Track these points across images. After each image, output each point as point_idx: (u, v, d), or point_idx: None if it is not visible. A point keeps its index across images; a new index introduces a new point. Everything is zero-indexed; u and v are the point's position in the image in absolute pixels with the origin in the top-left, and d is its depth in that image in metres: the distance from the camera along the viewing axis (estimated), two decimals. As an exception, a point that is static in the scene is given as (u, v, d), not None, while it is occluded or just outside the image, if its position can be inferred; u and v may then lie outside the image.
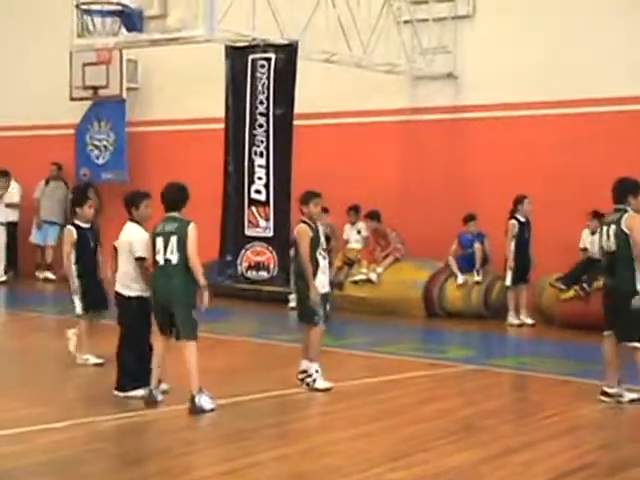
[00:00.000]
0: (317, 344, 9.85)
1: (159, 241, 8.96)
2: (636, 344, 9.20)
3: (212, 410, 8.70)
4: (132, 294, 9.46)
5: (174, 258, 8.90)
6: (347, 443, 7.95)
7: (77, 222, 11.24)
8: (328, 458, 7.43)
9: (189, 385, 8.74)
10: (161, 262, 8.93)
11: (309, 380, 9.72)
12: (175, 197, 9.38)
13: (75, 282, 11.08)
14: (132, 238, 9.47)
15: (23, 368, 11.55)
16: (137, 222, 9.63)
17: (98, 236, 11.64)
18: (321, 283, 9.86)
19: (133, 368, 9.27)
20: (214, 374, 10.51)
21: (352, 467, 7.12)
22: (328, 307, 10.05)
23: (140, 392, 9.10)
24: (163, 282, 8.97)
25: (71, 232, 11.16)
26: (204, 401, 8.71)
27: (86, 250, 11.28)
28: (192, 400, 8.66)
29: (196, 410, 8.64)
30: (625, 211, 9.34)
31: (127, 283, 9.47)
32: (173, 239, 8.91)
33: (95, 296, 11.20)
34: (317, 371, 9.72)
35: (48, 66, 19.30)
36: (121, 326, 9.51)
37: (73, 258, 11.11)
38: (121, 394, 9.23)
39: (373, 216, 15.85)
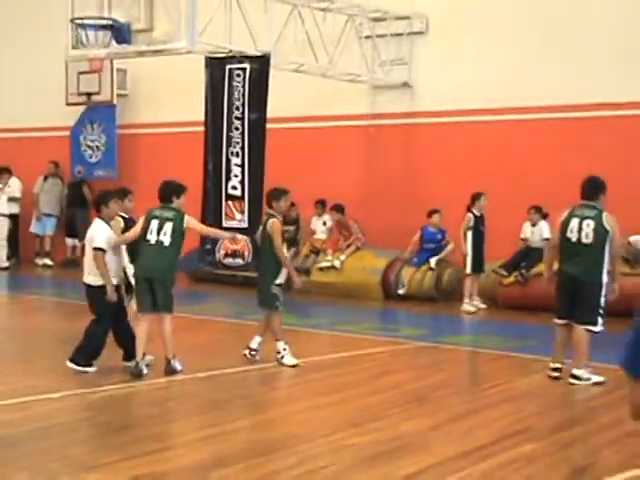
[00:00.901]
0: (279, 326, 9.85)
1: (154, 223, 9.15)
2: (591, 327, 9.21)
3: (181, 371, 9.03)
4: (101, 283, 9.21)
5: (166, 240, 9.09)
6: (311, 412, 7.99)
7: (121, 213, 10.77)
8: (294, 425, 7.47)
9: (165, 351, 9.04)
10: (152, 241, 9.09)
11: (278, 357, 9.72)
12: (169, 191, 9.54)
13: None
14: (95, 232, 9.28)
15: (23, 344, 11.51)
16: (104, 220, 9.41)
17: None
18: (284, 273, 9.85)
19: (95, 348, 9.11)
20: (194, 350, 10.51)
21: (316, 433, 7.16)
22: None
23: (92, 369, 9.01)
24: (151, 259, 9.13)
25: (119, 222, 10.21)
26: (177, 363, 9.04)
27: None
28: (168, 362, 9.00)
29: (170, 370, 8.98)
30: (599, 209, 9.26)
31: (95, 272, 9.22)
32: (168, 224, 9.13)
33: None
34: (285, 349, 9.72)
35: (46, 74, 19.20)
36: (94, 313, 9.31)
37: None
38: (74, 367, 9.03)
39: (337, 209, 15.87)
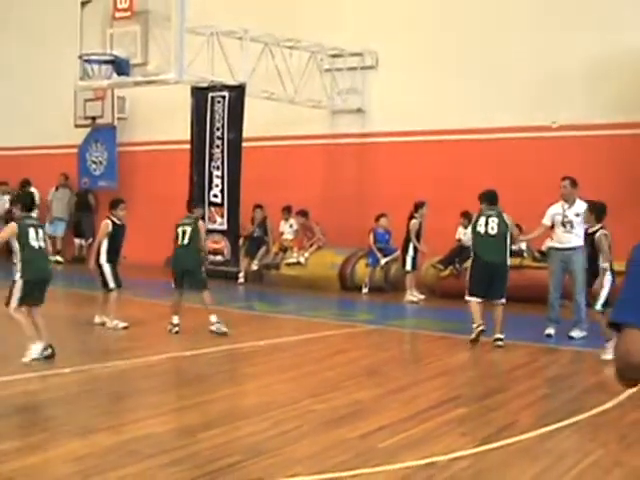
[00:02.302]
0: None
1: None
2: (504, 300, 9.85)
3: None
4: None
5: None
6: (280, 384, 8.03)
7: (113, 219, 10.77)
8: (264, 396, 7.49)
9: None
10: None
11: (212, 328, 10.14)
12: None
13: (106, 265, 10.76)
14: None
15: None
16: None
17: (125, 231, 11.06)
18: None
19: None
20: (181, 333, 10.52)
21: (283, 402, 7.18)
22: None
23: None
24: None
25: (107, 224, 10.73)
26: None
27: (117, 241, 10.87)
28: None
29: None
30: (499, 210, 10.09)
31: None
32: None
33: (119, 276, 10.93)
34: (218, 322, 10.19)
35: (58, 101, 19.06)
36: None
37: (105, 246, 10.70)
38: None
39: (302, 214, 15.89)
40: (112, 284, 10.72)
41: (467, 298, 10.01)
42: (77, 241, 19.81)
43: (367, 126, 16.22)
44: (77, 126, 19.40)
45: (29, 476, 5.34)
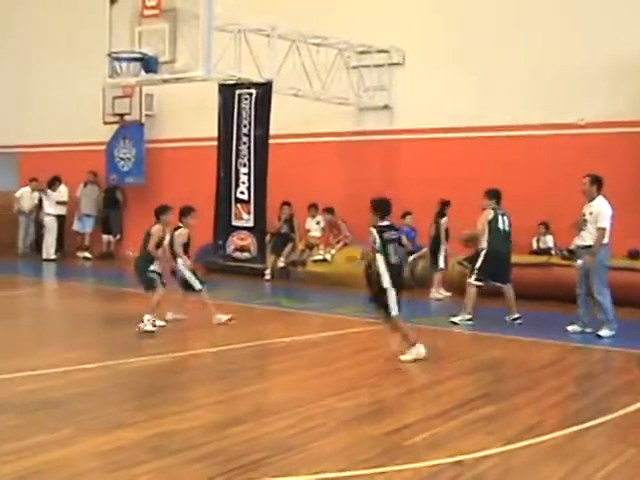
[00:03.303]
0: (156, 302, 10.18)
1: None
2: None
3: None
4: None
5: None
6: (306, 381, 7.98)
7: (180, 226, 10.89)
8: (293, 391, 7.46)
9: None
10: None
11: (141, 325, 9.97)
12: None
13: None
14: None
15: (66, 324, 11.51)
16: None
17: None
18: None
19: None
20: (208, 329, 10.51)
21: (310, 399, 7.14)
22: None
23: None
24: None
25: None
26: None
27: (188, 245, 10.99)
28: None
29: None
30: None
31: None
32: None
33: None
34: (148, 320, 9.97)
35: (87, 99, 19.13)
36: None
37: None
38: None
39: (328, 211, 15.85)
40: (198, 285, 10.85)
41: (473, 282, 11.08)
42: (105, 237, 19.91)
43: (394, 123, 16.13)
44: (106, 123, 19.48)
45: (55, 470, 5.33)
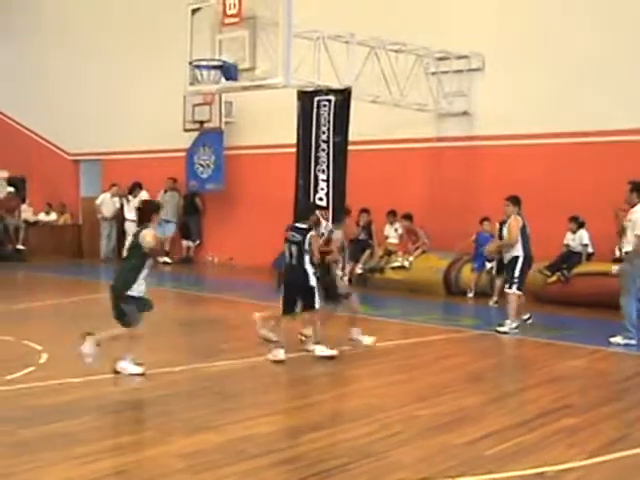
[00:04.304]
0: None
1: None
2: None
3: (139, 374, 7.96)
4: None
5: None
6: (385, 388, 7.99)
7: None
8: (371, 399, 7.47)
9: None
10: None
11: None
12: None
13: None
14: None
15: (149, 327, 11.68)
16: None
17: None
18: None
19: None
20: (287, 335, 10.58)
21: (389, 406, 7.17)
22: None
23: None
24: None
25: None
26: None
27: None
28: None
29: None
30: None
31: None
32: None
33: None
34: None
35: (168, 106, 19.49)
36: None
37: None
38: None
39: (407, 218, 15.82)
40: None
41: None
42: (185, 243, 20.26)
43: (473, 129, 16.02)
44: (186, 130, 19.82)
45: (142, 469, 5.48)
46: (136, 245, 8.11)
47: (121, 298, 8.10)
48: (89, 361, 7.91)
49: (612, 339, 10.09)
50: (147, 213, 8.37)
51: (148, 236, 8.02)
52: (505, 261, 11.45)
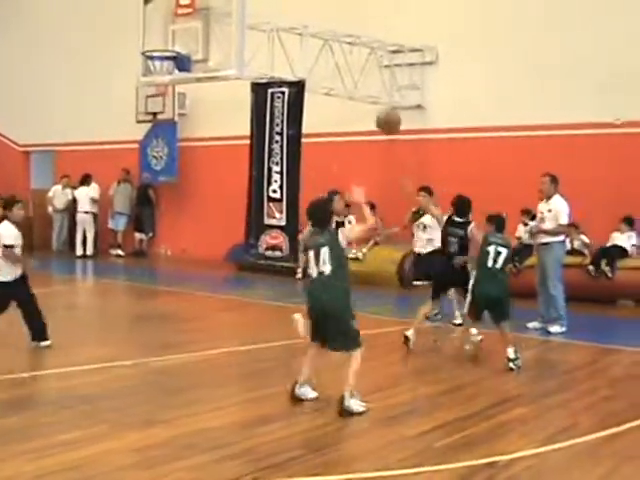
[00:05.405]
0: None
1: (310, 254, 6.83)
2: None
3: (361, 413, 6.58)
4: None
5: (327, 269, 6.73)
6: (338, 380, 7.91)
7: None
8: (325, 391, 7.32)
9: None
10: (314, 275, 6.81)
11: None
12: (323, 215, 7.09)
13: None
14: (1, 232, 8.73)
15: (99, 320, 11.61)
16: (11, 221, 8.80)
17: None
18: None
19: None
20: (239, 327, 10.55)
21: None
22: None
23: None
24: (318, 293, 6.79)
25: None
26: (354, 403, 6.66)
27: None
28: (341, 400, 6.62)
29: (346, 411, 6.56)
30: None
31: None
32: (324, 250, 6.74)
33: None
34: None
35: (120, 97, 19.29)
36: None
37: None
38: None
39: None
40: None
41: None
42: (137, 235, 20.05)
43: (426, 122, 16.07)
44: (139, 122, 19.61)
45: (91, 465, 5.39)
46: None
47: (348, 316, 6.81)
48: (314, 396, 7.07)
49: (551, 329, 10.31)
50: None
51: None
52: None
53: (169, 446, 5.75)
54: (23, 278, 8.92)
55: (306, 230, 7.16)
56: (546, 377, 8.50)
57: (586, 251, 13.42)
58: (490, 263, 8.71)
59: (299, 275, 15.74)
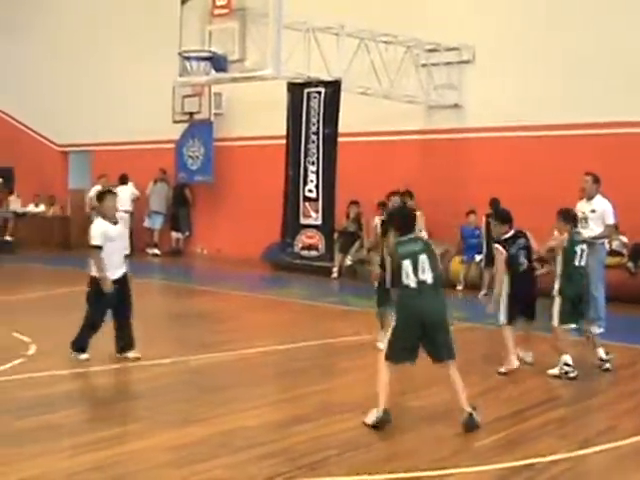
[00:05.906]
0: None
1: (407, 263, 6.36)
2: None
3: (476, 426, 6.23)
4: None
5: (428, 277, 6.39)
6: (374, 380, 7.90)
7: None
8: (361, 390, 7.35)
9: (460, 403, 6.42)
10: (413, 284, 6.36)
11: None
12: (411, 221, 6.70)
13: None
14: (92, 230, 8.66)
15: (137, 319, 11.62)
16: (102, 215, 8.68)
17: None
18: None
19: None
20: (276, 326, 10.55)
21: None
22: None
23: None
24: (424, 303, 6.36)
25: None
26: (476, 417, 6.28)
27: None
28: (469, 415, 6.25)
29: (471, 426, 6.21)
30: None
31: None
32: (422, 257, 6.40)
33: None
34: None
35: (157, 97, 19.39)
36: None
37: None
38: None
39: (398, 209, 15.72)
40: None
41: None
42: (174, 235, 20.18)
43: (463, 121, 15.97)
44: (175, 122, 19.71)
45: (127, 462, 5.42)
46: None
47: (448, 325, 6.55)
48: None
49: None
50: None
51: None
52: None
53: (205, 444, 5.76)
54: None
55: (390, 240, 6.88)
56: (585, 379, 8.39)
57: (624, 251, 13.25)
58: (577, 262, 8.54)
59: (335, 274, 15.76)
